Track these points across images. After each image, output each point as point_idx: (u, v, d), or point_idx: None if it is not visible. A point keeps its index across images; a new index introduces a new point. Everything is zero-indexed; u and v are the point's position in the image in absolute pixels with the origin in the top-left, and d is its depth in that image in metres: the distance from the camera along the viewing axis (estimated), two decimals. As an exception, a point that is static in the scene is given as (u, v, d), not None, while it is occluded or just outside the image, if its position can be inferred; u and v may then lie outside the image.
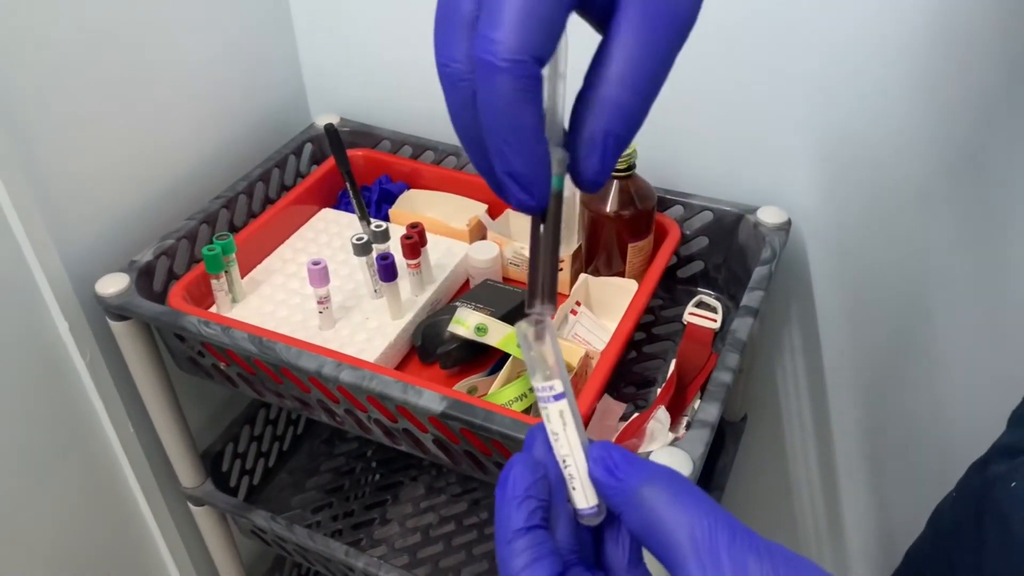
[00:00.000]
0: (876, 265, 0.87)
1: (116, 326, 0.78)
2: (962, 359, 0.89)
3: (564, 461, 0.33)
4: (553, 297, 0.33)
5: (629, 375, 0.83)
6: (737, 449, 1.00)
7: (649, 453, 0.61)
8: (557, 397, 0.33)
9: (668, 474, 0.31)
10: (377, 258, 0.78)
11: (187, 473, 0.93)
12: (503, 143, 0.29)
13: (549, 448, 0.33)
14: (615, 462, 0.32)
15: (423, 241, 0.82)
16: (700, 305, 0.86)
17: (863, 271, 0.88)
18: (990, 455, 0.66)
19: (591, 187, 0.30)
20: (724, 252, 0.88)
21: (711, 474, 0.95)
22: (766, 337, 0.98)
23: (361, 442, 1.13)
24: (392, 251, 0.81)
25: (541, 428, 0.34)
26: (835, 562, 1.13)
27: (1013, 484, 0.60)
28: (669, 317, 0.88)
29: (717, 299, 0.87)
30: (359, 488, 1.09)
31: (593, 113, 0.29)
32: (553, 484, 0.33)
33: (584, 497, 0.33)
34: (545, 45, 0.28)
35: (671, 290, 0.92)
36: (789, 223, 0.83)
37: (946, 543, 0.67)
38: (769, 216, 0.82)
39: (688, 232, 0.89)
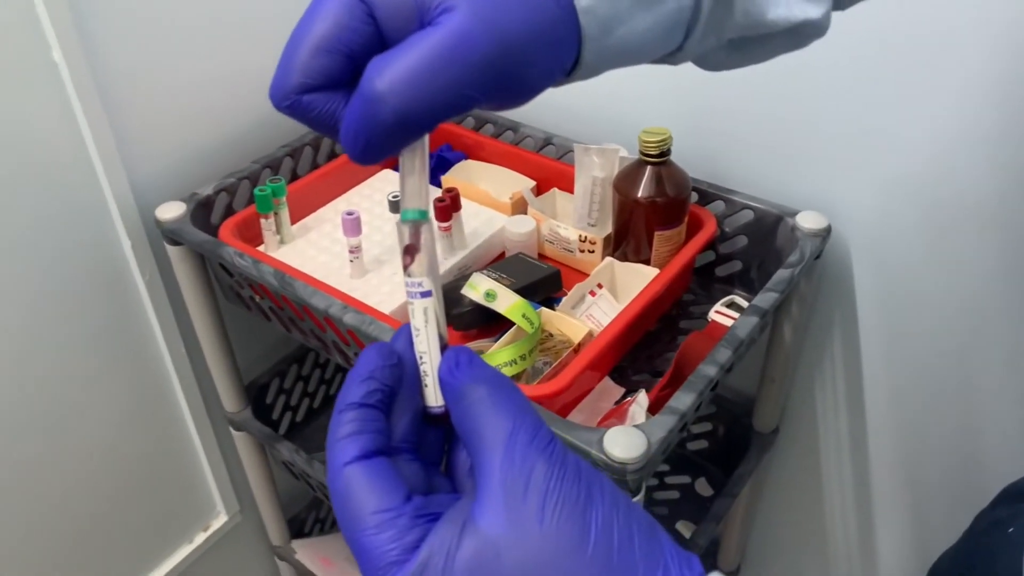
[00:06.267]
0: (923, 284, 0.82)
1: (172, 250, 0.86)
2: (1010, 387, 0.83)
3: (421, 358, 0.34)
4: (426, 199, 0.34)
5: (642, 363, 0.82)
6: (762, 460, 0.97)
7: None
8: (424, 294, 0.34)
9: (495, 378, 0.32)
10: (406, 215, 0.82)
11: (229, 398, 1.00)
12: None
13: (411, 344, 0.35)
14: (458, 363, 0.33)
15: (456, 206, 0.85)
16: (731, 305, 0.84)
17: (909, 289, 0.83)
18: (997, 500, 0.62)
19: (347, 153, 0.32)
20: (762, 254, 0.85)
21: (725, 480, 0.93)
22: (807, 350, 0.94)
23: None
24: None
25: (409, 325, 0.35)
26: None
27: (1011, 530, 0.57)
28: (697, 313, 0.87)
29: (749, 300, 0.85)
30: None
31: (355, 96, 0.30)
32: (406, 376, 0.34)
33: (434, 395, 0.35)
34: (317, 80, 0.31)
35: (707, 288, 0.90)
36: (828, 230, 0.79)
37: None
38: (807, 221, 0.80)
39: (728, 230, 0.87)
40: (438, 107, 0.30)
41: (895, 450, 0.95)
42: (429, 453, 0.35)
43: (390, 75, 0.29)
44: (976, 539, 0.62)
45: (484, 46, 0.29)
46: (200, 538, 1.11)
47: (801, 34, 0.39)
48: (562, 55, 0.32)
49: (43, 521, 0.91)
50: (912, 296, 0.83)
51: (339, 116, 0.31)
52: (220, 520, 1.13)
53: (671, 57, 0.37)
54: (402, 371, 0.34)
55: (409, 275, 0.34)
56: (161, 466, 1.03)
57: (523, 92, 0.32)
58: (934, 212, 0.78)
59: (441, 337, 0.34)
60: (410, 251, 0.34)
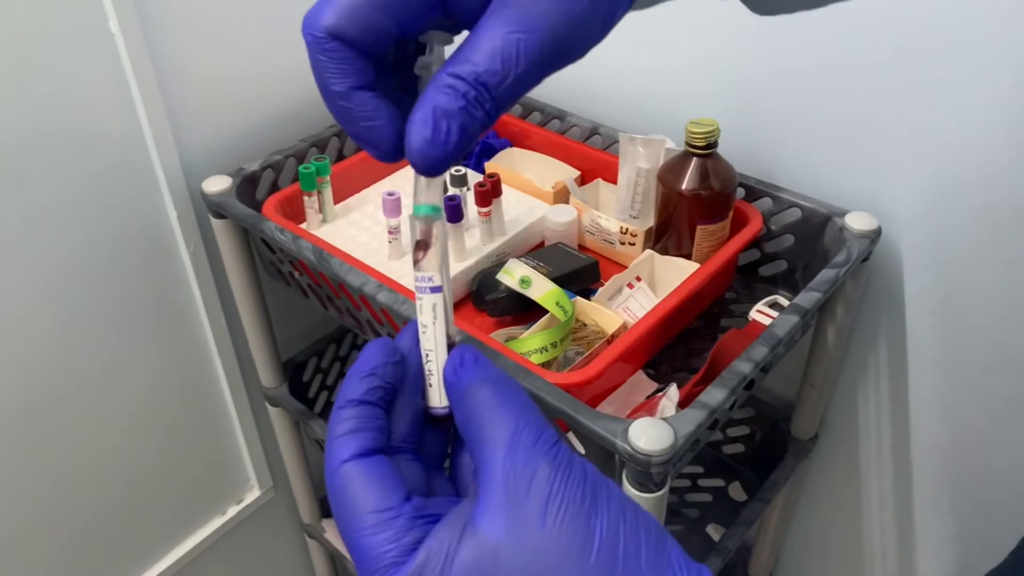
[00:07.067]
0: (976, 292, 0.78)
1: (216, 224, 0.87)
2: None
3: (427, 356, 0.33)
4: (440, 196, 0.33)
5: (678, 360, 0.81)
6: (798, 467, 0.94)
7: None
8: (434, 289, 0.33)
9: (500, 378, 0.31)
10: (445, 199, 0.82)
11: (267, 373, 1.01)
12: (329, 106, 0.30)
13: (417, 342, 0.34)
14: (463, 362, 0.32)
15: (497, 192, 0.84)
16: (773, 305, 0.82)
17: (962, 297, 0.80)
18: None
19: (418, 158, 0.29)
20: (809, 254, 0.83)
21: (760, 486, 0.91)
22: (851, 356, 0.91)
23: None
24: (468, 198, 0.84)
25: (415, 322, 0.34)
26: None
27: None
28: (738, 312, 0.85)
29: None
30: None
31: (430, 87, 0.28)
32: (410, 375, 0.33)
33: (439, 396, 0.33)
34: (355, 39, 0.29)
35: (750, 287, 0.88)
36: (878, 232, 0.77)
37: None
38: (857, 222, 0.77)
39: (774, 228, 0.85)
40: (525, 89, 0.28)
41: (939, 465, 0.91)
42: (431, 455, 0.35)
43: (499, 66, 0.27)
44: (1022, 562, 0.59)
45: (553, 23, 0.28)
46: (233, 510, 1.13)
47: None
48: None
49: (78, 487, 0.93)
50: (964, 304, 0.80)
51: (343, 84, 0.29)
52: (253, 494, 1.15)
53: None
54: (405, 369, 0.33)
55: (419, 269, 0.33)
56: (197, 436, 1.04)
57: (588, 47, 0.30)
58: (990, 216, 0.75)
59: (448, 336, 0.33)
60: (421, 246, 0.33)
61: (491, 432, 0.29)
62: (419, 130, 0.28)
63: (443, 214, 0.33)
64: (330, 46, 0.29)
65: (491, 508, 0.28)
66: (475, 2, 0.29)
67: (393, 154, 0.31)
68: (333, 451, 0.31)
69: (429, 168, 0.29)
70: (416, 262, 0.33)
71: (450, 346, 0.33)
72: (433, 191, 0.33)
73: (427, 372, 0.34)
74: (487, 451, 0.29)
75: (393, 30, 0.29)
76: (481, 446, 0.30)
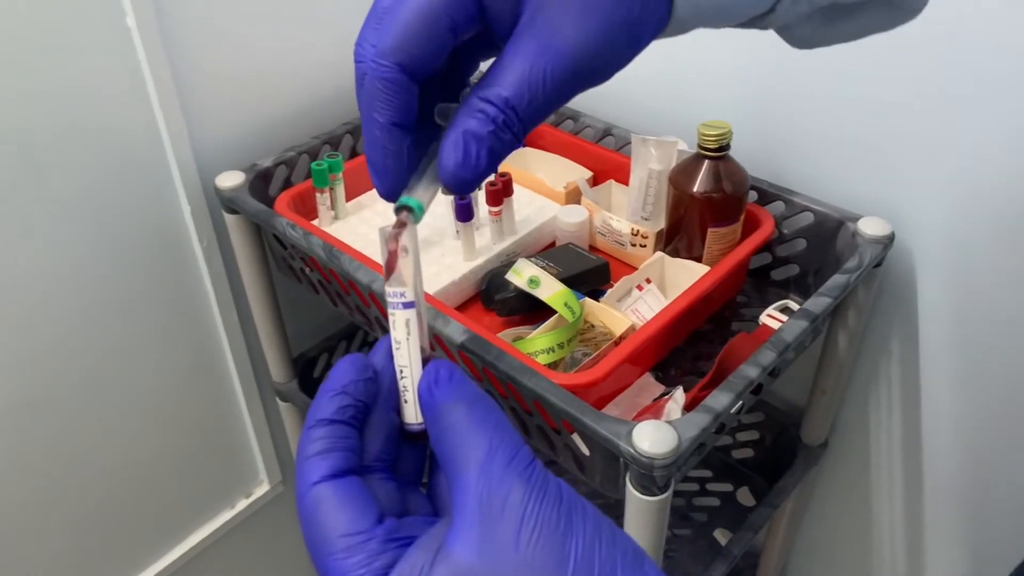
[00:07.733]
0: (992, 301, 0.77)
1: (229, 219, 0.88)
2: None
3: (401, 372, 0.33)
4: (430, 200, 0.33)
5: (687, 364, 0.80)
6: (807, 474, 0.94)
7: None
8: (406, 305, 0.33)
9: (474, 395, 0.31)
10: (455, 197, 0.82)
11: (278, 368, 1.02)
12: (364, 129, 0.31)
13: (390, 358, 0.34)
14: (437, 380, 0.32)
15: (508, 191, 0.84)
16: (784, 310, 0.82)
17: (977, 305, 0.79)
18: None
19: (450, 179, 0.30)
20: (820, 259, 0.82)
21: (768, 490, 0.90)
22: (862, 362, 0.91)
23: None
24: (479, 197, 0.84)
25: (388, 338, 0.34)
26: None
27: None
28: (749, 316, 0.84)
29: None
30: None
31: (461, 111, 0.29)
32: (383, 391, 0.33)
33: (415, 412, 0.33)
34: (414, 59, 0.29)
35: (762, 291, 0.88)
36: (891, 238, 0.76)
37: None
38: (870, 227, 0.76)
39: (787, 232, 0.84)
40: (552, 109, 0.30)
41: (951, 473, 0.90)
42: (407, 472, 0.34)
43: (526, 90, 0.29)
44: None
45: (579, 49, 0.29)
46: (242, 504, 1.14)
47: (895, 6, 0.36)
48: (650, 27, 0.31)
49: (87, 479, 0.94)
50: (978, 311, 0.79)
51: (386, 116, 0.30)
52: (262, 488, 1.15)
53: (761, 20, 0.35)
54: (377, 386, 0.33)
55: (390, 284, 0.33)
56: (207, 430, 1.05)
57: (614, 70, 0.31)
58: (1005, 223, 0.74)
59: (423, 350, 0.33)
60: (395, 239, 0.32)
61: (465, 452, 0.29)
62: (451, 153, 0.30)
63: (415, 228, 0.33)
64: (391, 77, 0.29)
65: (464, 530, 0.28)
66: (507, 7, 0.30)
67: (392, 196, 0.33)
68: (303, 473, 0.31)
69: (459, 188, 0.30)
70: (388, 274, 0.33)
71: (425, 360, 0.33)
72: (429, 192, 0.32)
73: (402, 388, 0.33)
74: (461, 472, 0.29)
75: (448, 39, 0.29)
76: (455, 466, 0.29)
